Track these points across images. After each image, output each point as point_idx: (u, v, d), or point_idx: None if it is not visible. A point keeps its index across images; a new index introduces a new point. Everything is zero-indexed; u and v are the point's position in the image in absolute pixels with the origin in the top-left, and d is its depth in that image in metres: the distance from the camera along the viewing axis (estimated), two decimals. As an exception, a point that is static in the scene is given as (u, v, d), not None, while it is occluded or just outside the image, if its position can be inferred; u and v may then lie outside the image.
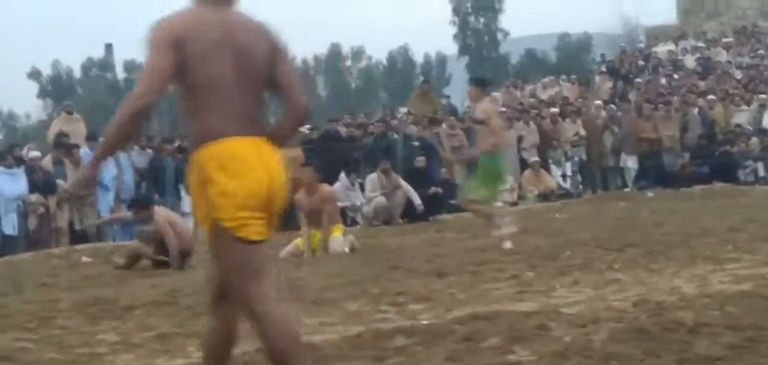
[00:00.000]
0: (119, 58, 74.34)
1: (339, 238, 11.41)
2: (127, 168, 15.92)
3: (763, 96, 22.09)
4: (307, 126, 20.58)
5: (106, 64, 75.13)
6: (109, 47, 74.35)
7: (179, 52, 3.90)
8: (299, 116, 4.30)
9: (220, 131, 3.92)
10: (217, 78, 3.96)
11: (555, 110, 21.48)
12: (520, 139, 19.93)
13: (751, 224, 11.02)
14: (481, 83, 11.67)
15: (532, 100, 24.66)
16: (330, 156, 17.25)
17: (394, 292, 7.75)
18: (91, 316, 7.45)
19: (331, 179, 15.97)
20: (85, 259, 12.25)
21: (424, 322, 6.37)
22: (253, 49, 4.05)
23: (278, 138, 4.14)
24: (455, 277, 8.44)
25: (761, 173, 19.88)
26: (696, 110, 21.63)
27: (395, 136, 18.73)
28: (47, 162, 15.63)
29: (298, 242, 11.52)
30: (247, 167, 3.93)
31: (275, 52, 4.13)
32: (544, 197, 18.69)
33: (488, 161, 10.91)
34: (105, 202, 15.69)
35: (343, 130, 19.66)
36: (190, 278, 9.62)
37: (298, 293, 8.08)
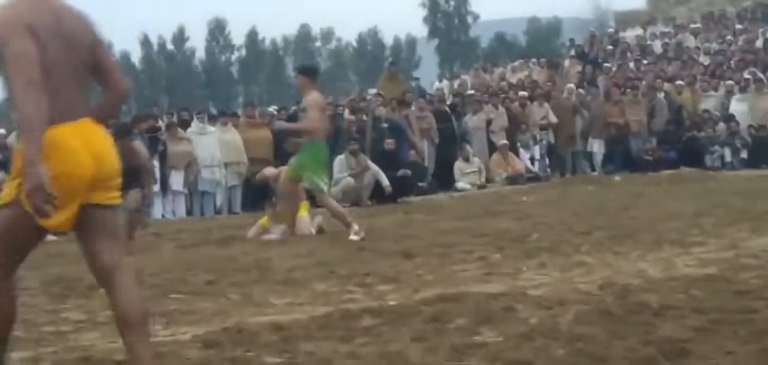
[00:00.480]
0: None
1: (306, 218, 11.39)
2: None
3: (730, 82, 22.24)
4: (275, 107, 20.53)
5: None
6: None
7: (34, 38, 3.97)
8: (121, 97, 4.57)
9: (51, 119, 3.97)
10: (54, 65, 4.06)
11: (524, 93, 21.51)
12: (489, 122, 19.97)
13: (717, 209, 11.10)
14: (308, 72, 11.45)
15: (501, 83, 24.69)
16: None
17: (362, 273, 7.74)
18: (55, 295, 7.39)
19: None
20: (49, 237, 12.14)
21: (392, 303, 6.37)
22: (79, 37, 4.21)
23: (103, 118, 4.38)
24: (423, 258, 8.44)
25: (728, 158, 20.03)
26: (663, 95, 21.75)
27: (364, 117, 18.71)
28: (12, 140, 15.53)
29: (263, 221, 11.50)
30: (67, 155, 4.07)
31: (95, 38, 4.31)
32: (513, 180, 18.74)
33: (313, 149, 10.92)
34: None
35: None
36: (156, 257, 9.59)
37: (265, 273, 8.08)
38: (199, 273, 8.10)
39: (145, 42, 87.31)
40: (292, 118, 17.15)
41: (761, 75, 22.01)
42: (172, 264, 8.79)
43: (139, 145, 11.60)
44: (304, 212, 11.49)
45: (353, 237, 10.21)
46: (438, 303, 6.03)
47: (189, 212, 16.70)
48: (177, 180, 16.38)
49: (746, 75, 22.14)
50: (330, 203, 11.03)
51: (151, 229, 12.02)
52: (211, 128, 17.29)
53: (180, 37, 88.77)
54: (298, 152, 11.14)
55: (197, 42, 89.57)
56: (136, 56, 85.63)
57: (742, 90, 21.56)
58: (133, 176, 10.63)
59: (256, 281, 7.69)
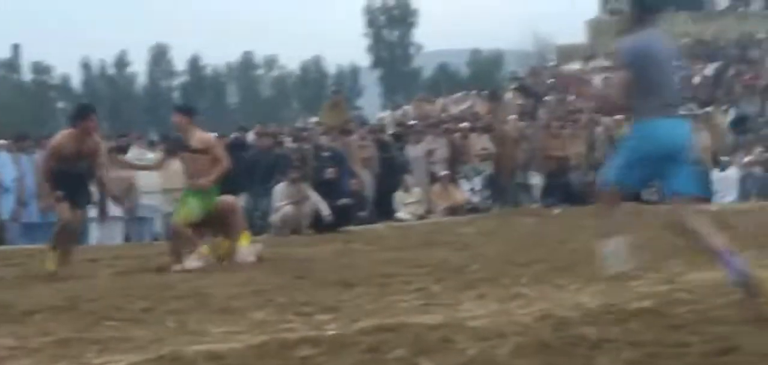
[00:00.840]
0: (27, 60, 73.13)
1: (246, 247, 11.32)
2: (28, 171, 15.61)
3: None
4: (215, 134, 20.36)
5: (12, 64, 73.75)
6: (16, 48, 73.02)
7: None
8: None
9: None
10: None
11: (466, 124, 21.61)
12: (430, 152, 20.03)
13: (653, 243, 11.19)
14: (188, 112, 11.40)
15: (443, 114, 24.80)
16: (237, 165, 17.13)
17: (301, 302, 7.71)
18: (-12, 321, 7.27)
19: (239, 188, 15.89)
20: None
21: (330, 332, 6.34)
22: None
23: None
24: (362, 288, 8.42)
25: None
26: (602, 129, 21.96)
27: (306, 146, 18.68)
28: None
29: (204, 249, 11.42)
30: None
31: None
32: (453, 211, 18.79)
33: (211, 192, 10.94)
34: (6, 204, 15.38)
35: (252, 139, 19.53)
36: (92, 284, 9.47)
37: (203, 301, 8.01)
38: (135, 300, 8.00)
39: (86, 66, 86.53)
40: (235, 146, 17.11)
41: (698, 112, 22.31)
42: (108, 291, 8.68)
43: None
44: (244, 241, 11.43)
45: (189, 265, 10.23)
46: (376, 334, 6.00)
47: (126, 238, 16.53)
48: (116, 207, 16.21)
49: (683, 112, 22.39)
50: (182, 231, 10.94)
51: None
52: (150, 154, 17.16)
53: (121, 62, 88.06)
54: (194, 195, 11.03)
55: (139, 67, 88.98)
56: (76, 80, 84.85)
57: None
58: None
59: (194, 309, 7.62)
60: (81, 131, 10.59)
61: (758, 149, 20.85)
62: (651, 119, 6.71)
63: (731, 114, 23.96)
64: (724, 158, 20.73)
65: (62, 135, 10.78)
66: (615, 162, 7.13)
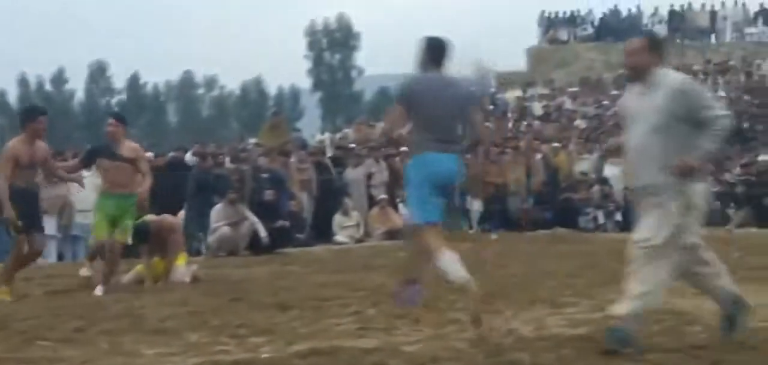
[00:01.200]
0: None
1: (182, 267, 11.26)
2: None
3: (605, 145, 22.76)
4: (151, 154, 20.25)
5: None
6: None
7: None
8: None
9: None
10: None
11: (405, 148, 21.60)
12: (369, 176, 20.05)
13: (589, 270, 11.31)
14: (123, 120, 11.33)
15: (383, 138, 24.81)
16: (176, 184, 17.03)
17: (236, 324, 7.66)
18: None
19: (177, 208, 15.80)
20: None
21: (264, 355, 6.32)
22: None
23: None
24: (298, 311, 8.40)
25: (601, 220, 20.48)
26: (540, 156, 22.17)
27: (244, 167, 18.60)
28: None
29: (139, 268, 11.34)
30: None
31: None
32: (391, 235, 18.80)
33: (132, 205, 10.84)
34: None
35: (190, 158, 19.40)
36: (24, 303, 9.36)
37: (137, 321, 7.93)
38: (68, 320, 7.91)
39: (23, 82, 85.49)
40: (174, 166, 17.00)
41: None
42: (41, 310, 8.58)
43: None
44: (181, 261, 11.37)
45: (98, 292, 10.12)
46: (311, 357, 6.00)
47: (60, 257, 16.32)
48: (50, 224, 15.98)
49: (621, 139, 22.68)
50: (118, 251, 10.78)
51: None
52: (86, 172, 16.93)
53: (59, 78, 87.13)
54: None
55: (77, 84, 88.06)
56: (12, 96, 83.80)
57: (616, 154, 22.09)
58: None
59: (127, 329, 7.54)
60: (31, 133, 10.39)
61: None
62: (424, 153, 7.60)
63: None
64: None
65: (14, 142, 10.41)
66: (413, 205, 7.86)
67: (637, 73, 6.52)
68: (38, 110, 10.94)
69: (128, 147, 10.90)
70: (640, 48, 6.46)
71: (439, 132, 7.60)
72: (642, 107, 6.40)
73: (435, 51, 7.91)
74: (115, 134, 10.93)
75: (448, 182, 7.71)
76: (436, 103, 7.60)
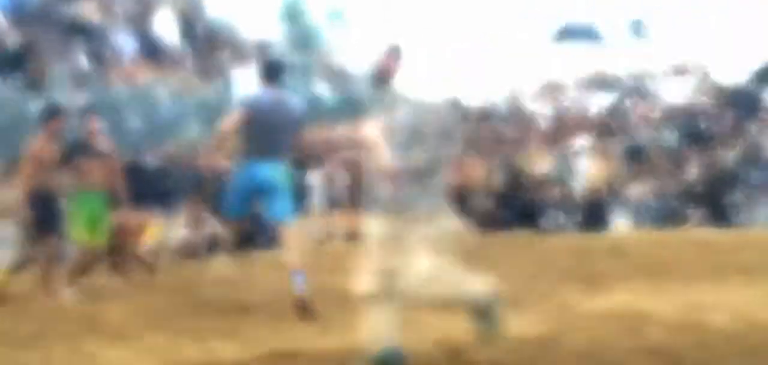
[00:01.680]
0: None
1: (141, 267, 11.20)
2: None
3: (565, 146, 22.89)
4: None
5: None
6: None
7: None
8: None
9: None
10: None
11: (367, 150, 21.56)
12: (330, 178, 20.00)
13: (549, 270, 11.34)
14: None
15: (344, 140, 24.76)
16: (135, 187, 16.87)
17: (196, 327, 7.61)
18: None
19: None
20: None
21: (226, 359, 6.28)
22: None
23: None
24: (260, 314, 8.36)
25: (561, 220, 20.53)
26: (501, 157, 22.17)
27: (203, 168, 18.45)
28: None
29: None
30: None
31: None
32: (353, 236, 18.74)
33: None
34: None
35: (150, 161, 19.23)
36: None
37: (96, 325, 7.86)
38: (24, 323, 7.83)
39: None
40: (132, 168, 16.81)
41: (594, 141, 22.72)
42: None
43: None
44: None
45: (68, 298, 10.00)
46: (272, 360, 5.97)
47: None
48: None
49: (581, 141, 22.83)
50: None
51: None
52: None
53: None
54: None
55: None
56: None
57: (577, 155, 22.23)
58: None
59: (86, 333, 7.48)
60: (50, 133, 10.21)
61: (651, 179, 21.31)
62: (249, 161, 8.50)
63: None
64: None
65: (36, 141, 10.24)
66: (228, 199, 9.12)
67: None
68: (58, 109, 10.79)
69: (106, 143, 10.82)
70: None
71: (264, 143, 8.42)
72: None
73: (272, 70, 8.87)
74: (95, 131, 10.88)
75: (271, 184, 8.54)
76: (266, 117, 8.42)
